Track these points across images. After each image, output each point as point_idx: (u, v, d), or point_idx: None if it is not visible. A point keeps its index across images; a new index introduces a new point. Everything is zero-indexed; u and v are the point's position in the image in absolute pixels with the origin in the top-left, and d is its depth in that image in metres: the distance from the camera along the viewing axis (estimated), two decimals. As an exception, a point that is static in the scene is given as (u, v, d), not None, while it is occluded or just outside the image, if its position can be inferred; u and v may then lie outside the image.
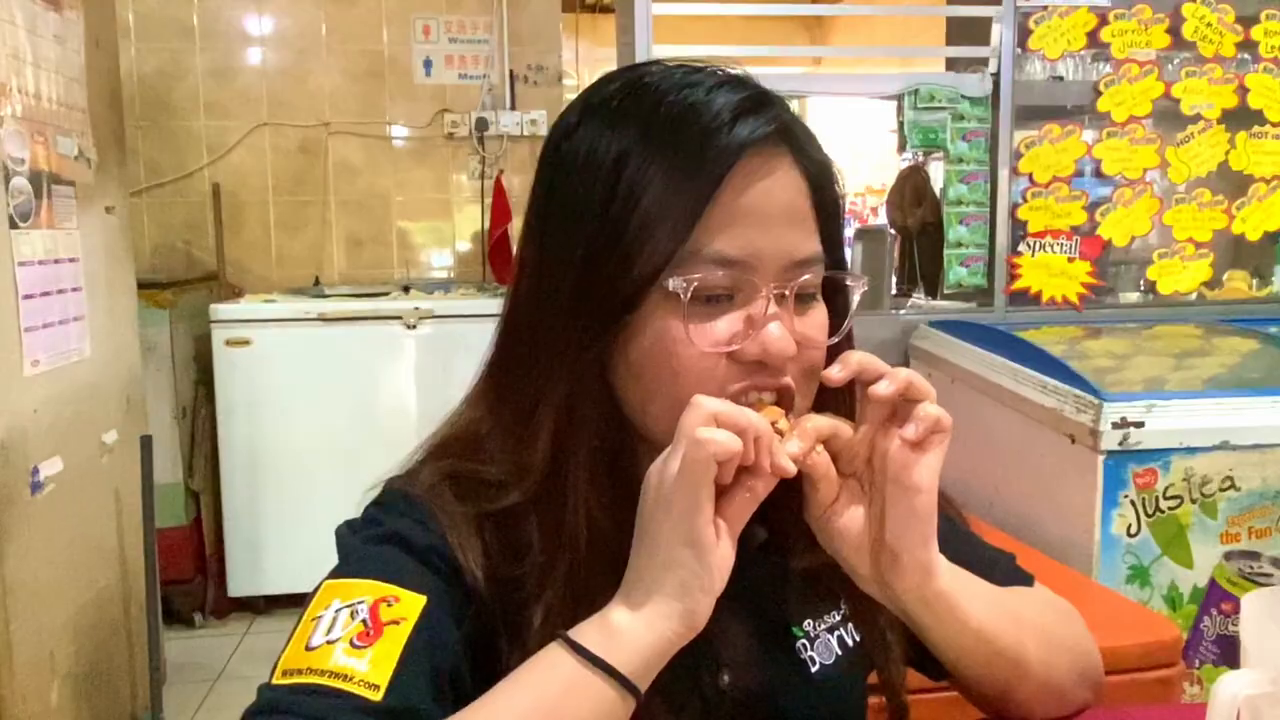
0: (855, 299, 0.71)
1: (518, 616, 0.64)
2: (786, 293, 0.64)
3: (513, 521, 0.65)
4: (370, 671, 0.57)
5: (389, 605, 0.60)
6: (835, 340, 0.68)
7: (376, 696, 0.56)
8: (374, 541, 0.65)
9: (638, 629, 0.59)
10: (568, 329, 0.65)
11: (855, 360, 0.64)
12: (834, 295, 0.69)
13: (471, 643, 0.63)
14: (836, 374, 0.64)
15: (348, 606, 0.60)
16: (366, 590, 0.61)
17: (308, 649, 0.58)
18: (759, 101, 0.65)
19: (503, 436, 0.67)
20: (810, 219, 0.67)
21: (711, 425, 0.57)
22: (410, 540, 0.64)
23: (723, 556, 0.60)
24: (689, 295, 0.62)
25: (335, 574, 0.64)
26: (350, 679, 0.57)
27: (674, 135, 0.63)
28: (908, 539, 0.65)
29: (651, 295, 0.63)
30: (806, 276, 0.65)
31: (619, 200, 0.63)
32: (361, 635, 0.58)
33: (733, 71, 0.67)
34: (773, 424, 0.61)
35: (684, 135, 0.63)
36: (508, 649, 0.64)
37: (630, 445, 0.68)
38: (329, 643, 0.58)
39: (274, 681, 0.58)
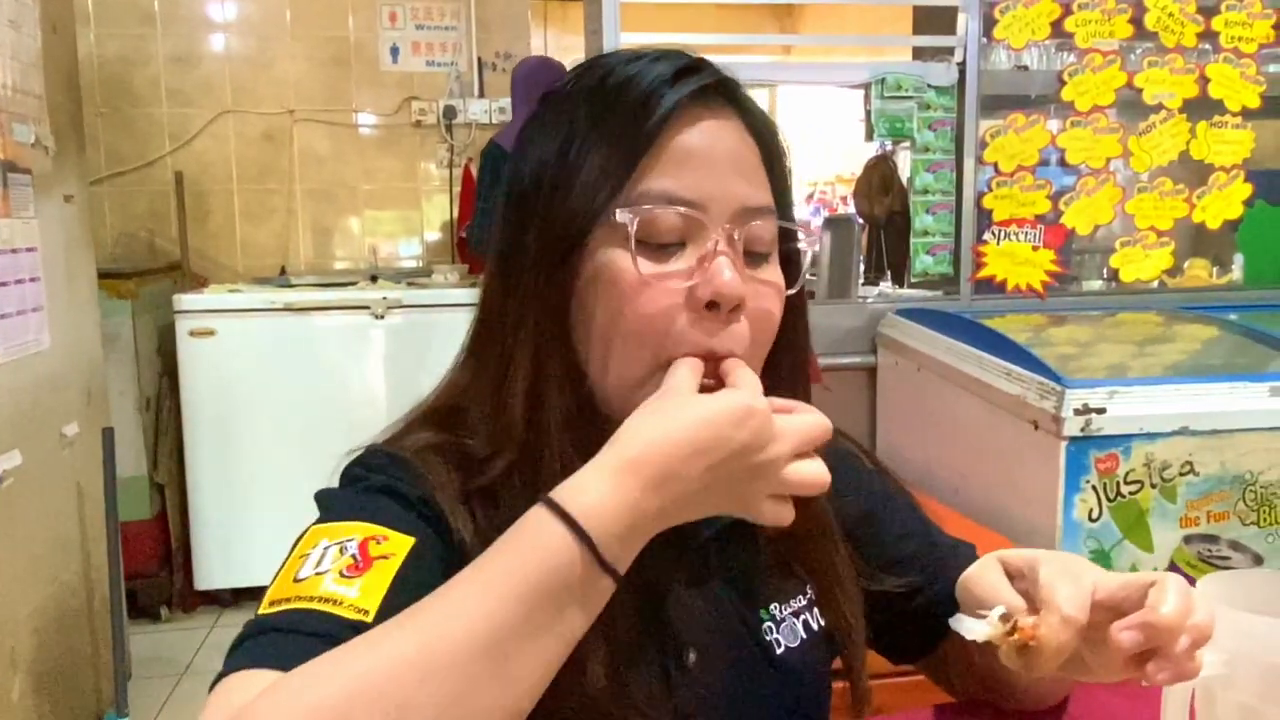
0: (808, 258, 0.73)
1: None
2: (736, 235, 0.66)
3: (498, 493, 0.66)
4: (360, 598, 0.57)
5: (378, 543, 0.61)
6: (791, 292, 0.70)
7: (367, 619, 0.56)
8: (362, 492, 0.66)
9: (602, 488, 0.55)
10: (530, 280, 0.67)
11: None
12: (786, 263, 0.71)
13: None
14: (1129, 639, 0.60)
15: (336, 544, 0.60)
16: (355, 530, 0.61)
17: (296, 580, 0.58)
18: (698, 64, 0.69)
19: (482, 404, 0.69)
20: (760, 173, 0.69)
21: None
22: (399, 491, 0.65)
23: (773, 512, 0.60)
24: (635, 226, 0.64)
25: (322, 520, 0.64)
26: (340, 604, 0.56)
27: (619, 95, 0.67)
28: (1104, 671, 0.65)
29: (599, 229, 0.65)
30: (757, 223, 0.67)
31: (572, 153, 0.66)
32: (350, 568, 0.59)
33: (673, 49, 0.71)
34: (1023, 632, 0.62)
35: (629, 94, 0.67)
36: None
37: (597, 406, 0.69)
38: (318, 574, 0.58)
39: (261, 612, 0.58)
